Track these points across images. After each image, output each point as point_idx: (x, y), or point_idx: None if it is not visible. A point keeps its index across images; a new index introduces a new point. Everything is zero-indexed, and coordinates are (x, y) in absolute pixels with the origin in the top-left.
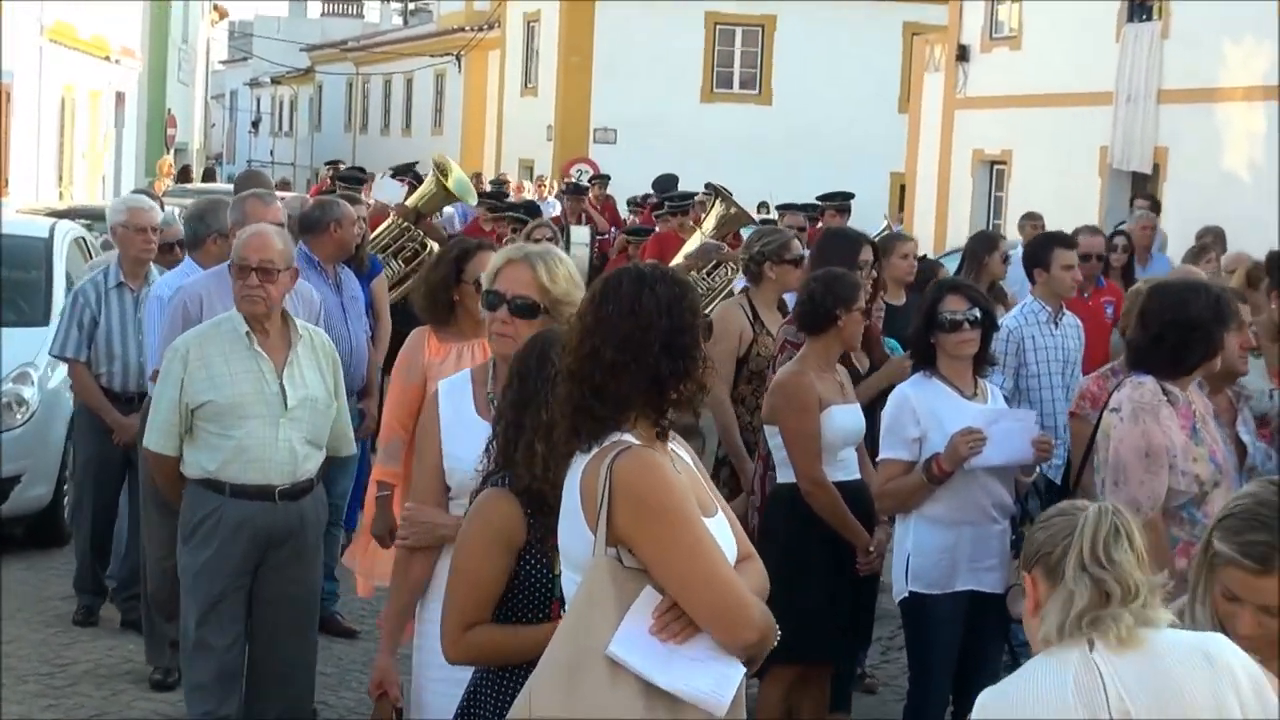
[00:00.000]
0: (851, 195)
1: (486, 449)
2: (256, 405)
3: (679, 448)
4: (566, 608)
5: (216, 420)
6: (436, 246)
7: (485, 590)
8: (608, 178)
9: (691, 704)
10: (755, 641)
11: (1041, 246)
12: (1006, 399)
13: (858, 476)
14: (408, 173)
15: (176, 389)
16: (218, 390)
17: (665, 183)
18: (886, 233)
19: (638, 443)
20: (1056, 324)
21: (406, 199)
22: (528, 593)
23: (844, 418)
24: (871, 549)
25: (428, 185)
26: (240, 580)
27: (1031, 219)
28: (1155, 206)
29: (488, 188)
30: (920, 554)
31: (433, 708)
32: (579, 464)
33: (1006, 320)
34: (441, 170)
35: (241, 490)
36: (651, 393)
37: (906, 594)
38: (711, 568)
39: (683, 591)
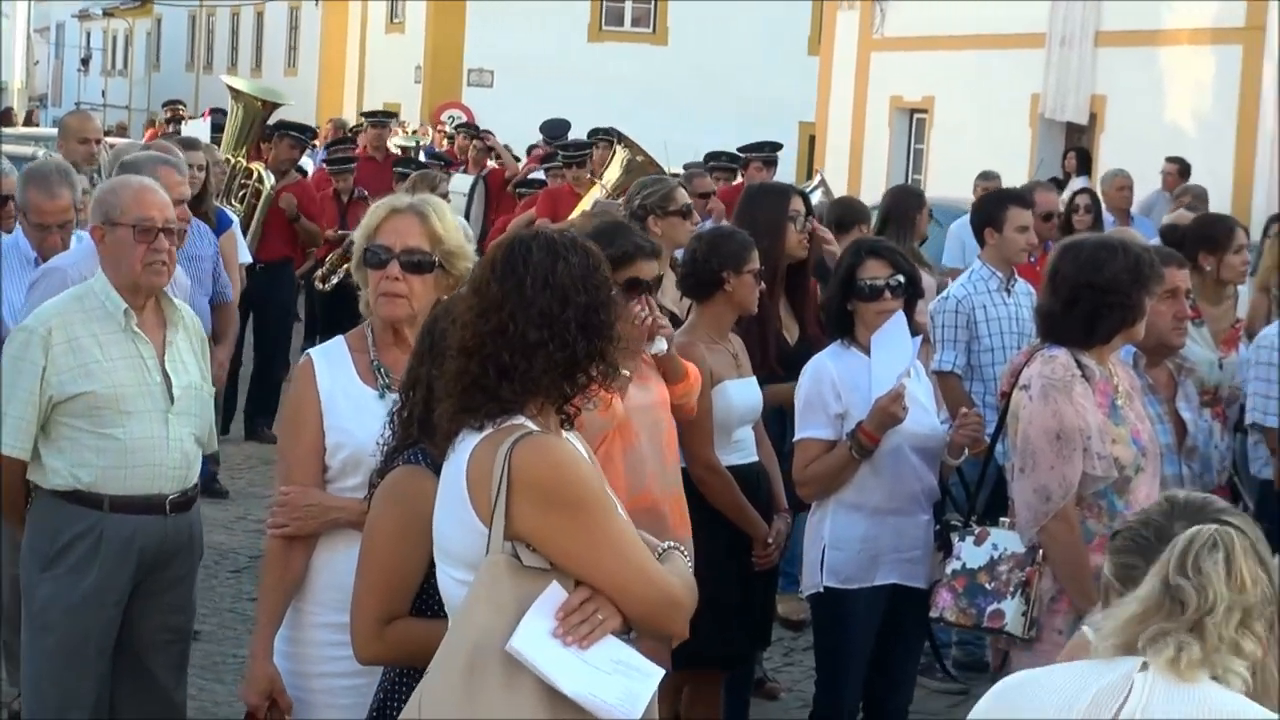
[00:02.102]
0: (779, 146)
1: (390, 421)
2: (140, 398)
3: (574, 437)
4: (452, 608)
5: (91, 417)
6: (263, 171)
7: (405, 580)
8: (488, 132)
9: (597, 715)
10: (682, 633)
11: (995, 204)
12: (959, 377)
13: (755, 459)
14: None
15: (36, 379)
16: (94, 380)
17: (556, 128)
18: (821, 187)
19: (537, 429)
20: (1009, 292)
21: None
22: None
23: (739, 394)
24: (770, 540)
25: (232, 115)
26: (115, 614)
27: (986, 179)
28: (1084, 161)
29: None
30: (838, 545)
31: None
32: (465, 446)
33: (954, 289)
34: (234, 92)
35: (126, 502)
36: (564, 375)
37: (820, 589)
38: (639, 558)
39: (611, 584)
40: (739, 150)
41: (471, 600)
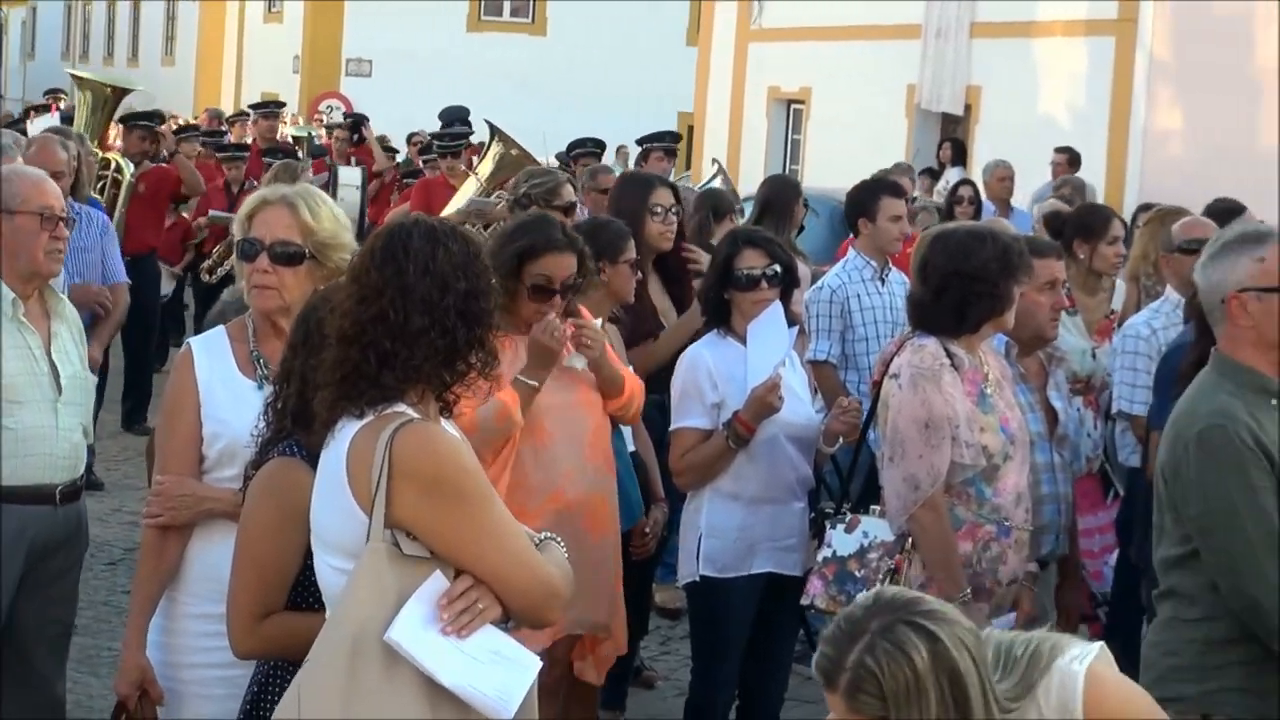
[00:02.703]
0: (679, 136)
1: (265, 412)
2: (29, 388)
3: (451, 426)
4: (330, 596)
5: None
6: (122, 160)
7: (282, 573)
8: (364, 118)
9: (474, 707)
10: (558, 622)
11: (868, 194)
12: (834, 366)
13: (632, 449)
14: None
15: None
16: None
17: (453, 114)
18: (720, 176)
19: (418, 417)
20: (883, 281)
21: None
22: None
23: None
24: (647, 530)
25: (80, 105)
26: (3, 605)
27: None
28: (959, 151)
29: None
30: (714, 534)
31: (192, 712)
32: (345, 434)
33: (828, 279)
34: (78, 80)
35: (16, 493)
36: (444, 362)
37: (696, 578)
38: (520, 547)
39: (493, 574)
40: (639, 141)
41: (352, 589)
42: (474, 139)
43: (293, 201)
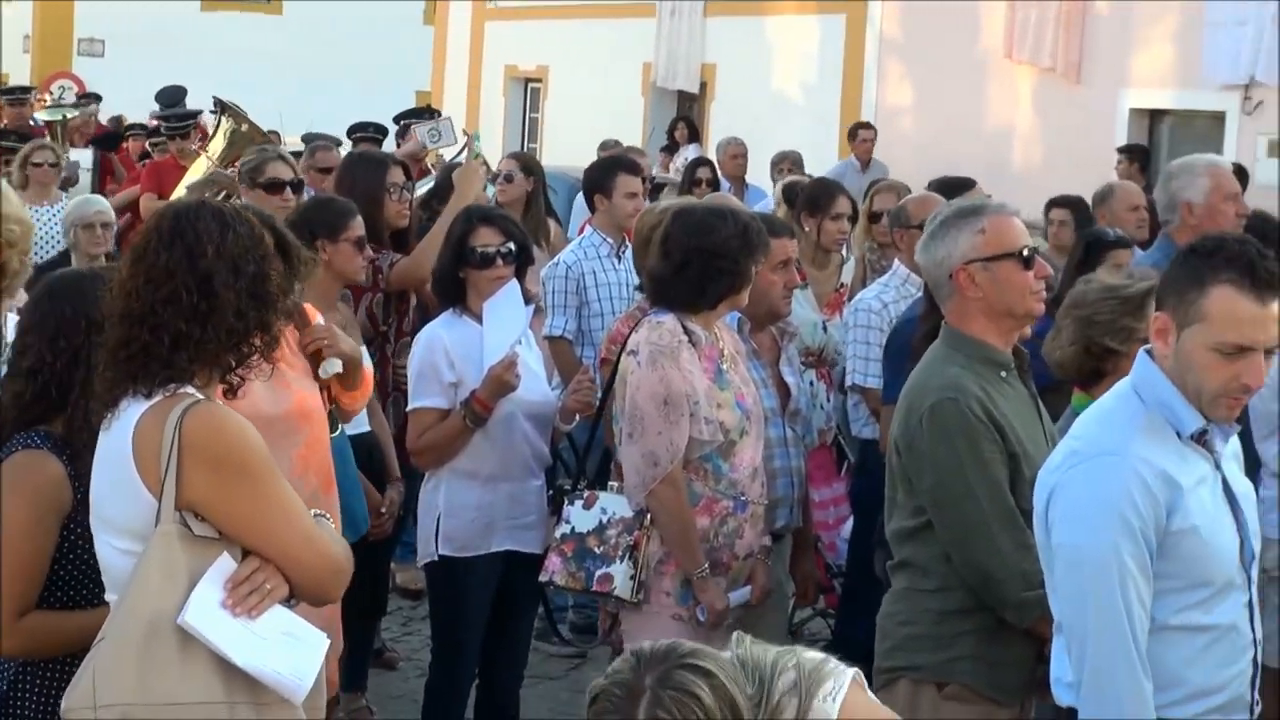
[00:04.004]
0: (438, 113)
1: None
2: None
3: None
4: (116, 579)
5: None
6: None
7: (39, 570)
8: (97, 97)
9: (269, 686)
10: (338, 598)
11: (604, 171)
12: (569, 342)
13: (367, 429)
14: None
15: None
16: None
17: (172, 96)
18: (474, 143)
19: (203, 397)
20: (619, 258)
21: None
22: (79, 567)
23: None
24: (384, 510)
25: None
26: None
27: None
28: (693, 131)
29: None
30: (453, 513)
31: None
32: (130, 414)
33: (564, 255)
34: None
35: None
36: (233, 343)
37: (435, 557)
38: (306, 526)
39: (282, 553)
40: (396, 117)
41: (143, 572)
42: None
43: None
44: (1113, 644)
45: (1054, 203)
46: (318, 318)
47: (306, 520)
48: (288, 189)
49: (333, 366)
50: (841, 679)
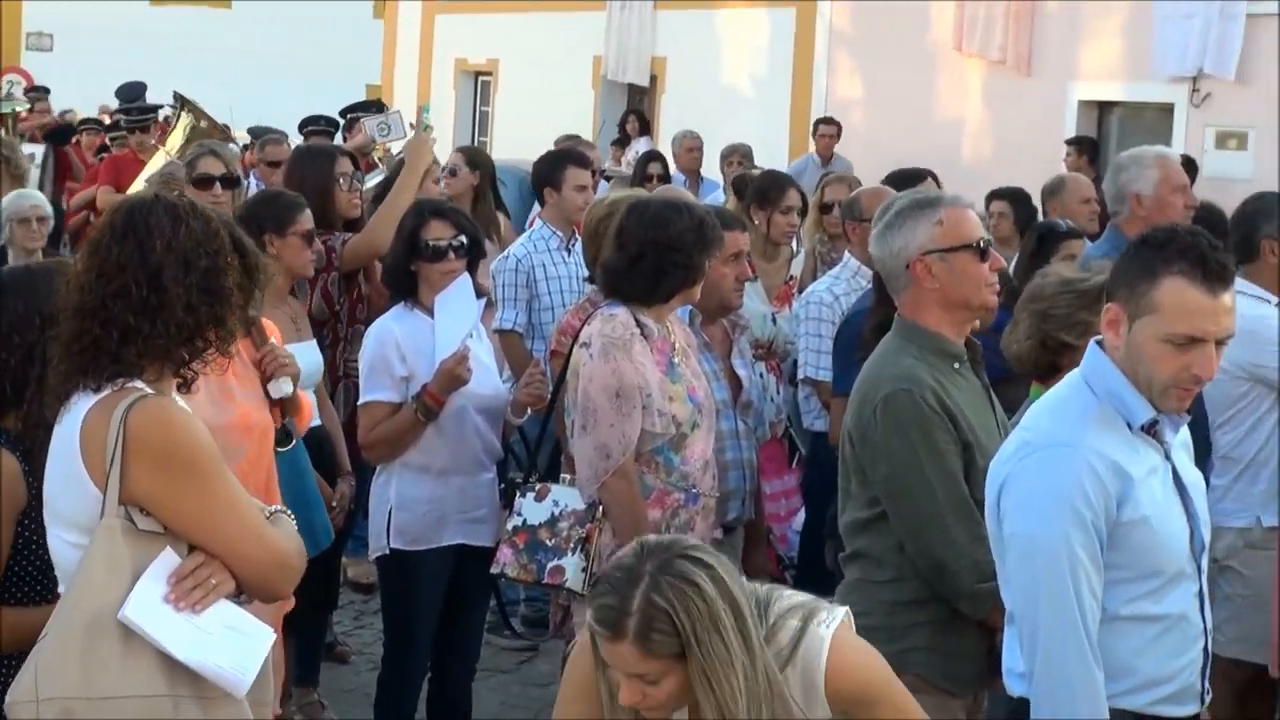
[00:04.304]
0: (384, 106)
1: None
2: None
3: (185, 402)
4: (65, 572)
5: None
6: None
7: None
8: (45, 90)
9: (211, 680)
10: (289, 595)
11: (553, 164)
12: (520, 335)
13: (317, 423)
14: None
15: None
16: None
17: (131, 91)
18: (424, 115)
19: (151, 391)
20: (569, 251)
21: None
22: (34, 563)
23: (299, 358)
24: (334, 504)
25: None
26: None
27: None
28: (644, 124)
29: None
30: (404, 507)
31: None
32: (80, 407)
33: (514, 249)
34: None
35: None
36: (185, 339)
37: (387, 551)
38: (253, 522)
39: (227, 549)
40: (342, 111)
41: (87, 566)
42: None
43: None
44: (1064, 634)
45: (994, 195)
46: (274, 333)
47: (254, 516)
48: (217, 184)
49: (285, 387)
50: (836, 612)
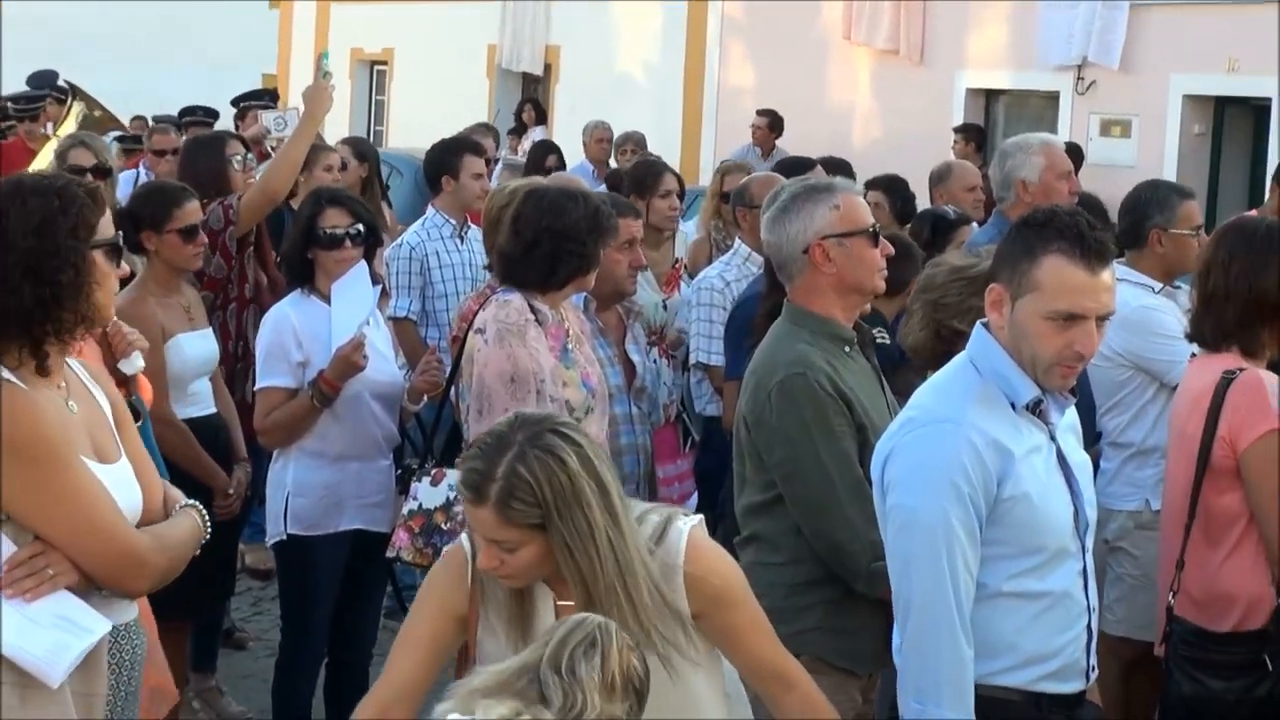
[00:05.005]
0: (276, 95)
1: None
2: None
3: (49, 386)
4: None
5: None
6: None
7: None
8: None
9: (24, 668)
10: (146, 591)
11: (450, 152)
12: (414, 322)
13: (213, 410)
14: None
15: None
16: None
17: (44, 79)
18: (322, 62)
19: (9, 376)
20: (462, 239)
21: None
22: None
23: (193, 347)
24: (230, 490)
25: None
26: None
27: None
28: (540, 113)
29: None
30: (301, 492)
31: None
32: None
33: (407, 237)
34: None
35: None
36: (23, 324)
37: (284, 536)
38: (97, 515)
39: (68, 540)
40: (234, 100)
41: None
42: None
43: None
44: (935, 607)
45: (870, 184)
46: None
47: (99, 509)
48: (88, 175)
49: (137, 362)
50: (692, 518)
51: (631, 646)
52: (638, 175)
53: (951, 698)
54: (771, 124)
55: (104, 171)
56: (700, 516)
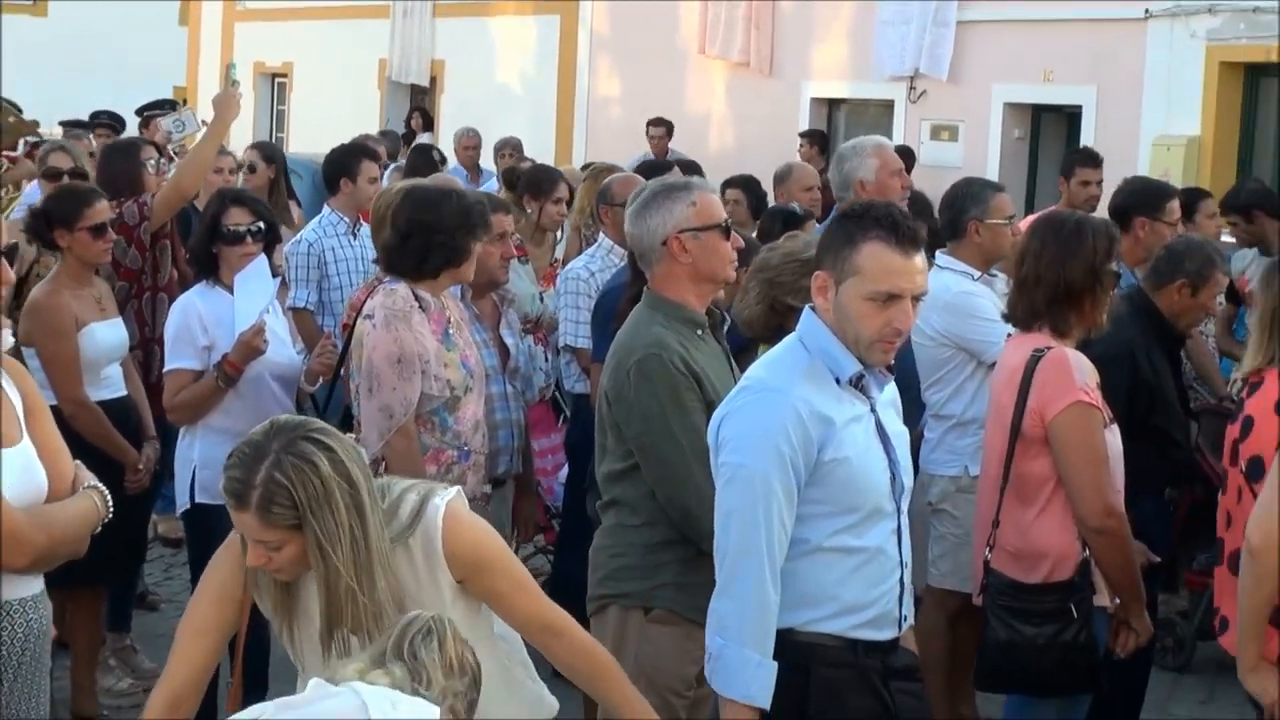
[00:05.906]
0: (177, 104)
1: None
2: None
3: None
4: None
5: None
6: None
7: None
8: None
9: None
10: (29, 566)
11: (350, 157)
12: (311, 312)
13: (124, 393)
14: None
15: None
16: None
17: None
18: (230, 71)
19: None
20: (355, 235)
21: None
22: None
23: (105, 334)
24: (141, 466)
25: None
26: None
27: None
28: (427, 121)
29: None
30: (207, 465)
31: None
32: None
33: (305, 233)
34: None
35: None
36: None
37: (190, 505)
38: None
39: None
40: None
41: None
42: None
43: None
44: (749, 555)
45: (728, 183)
46: None
47: None
48: (65, 178)
49: (7, 339)
50: (449, 491)
51: (462, 638)
52: (535, 179)
53: (754, 637)
54: (667, 130)
55: (81, 174)
56: (458, 489)
